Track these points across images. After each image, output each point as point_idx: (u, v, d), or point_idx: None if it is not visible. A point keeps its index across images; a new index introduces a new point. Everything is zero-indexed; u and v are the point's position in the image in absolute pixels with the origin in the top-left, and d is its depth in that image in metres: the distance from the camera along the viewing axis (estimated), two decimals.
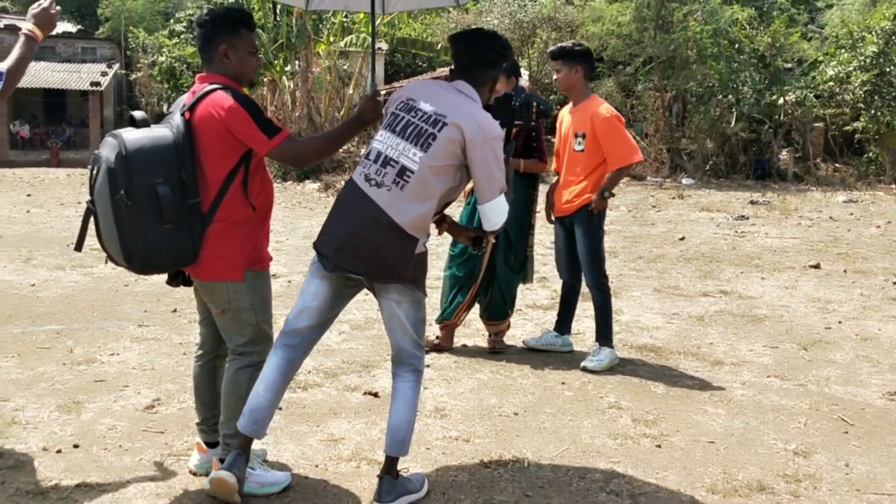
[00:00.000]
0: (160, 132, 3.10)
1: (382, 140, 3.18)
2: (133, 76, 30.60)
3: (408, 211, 3.06)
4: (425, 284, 3.26)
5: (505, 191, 3.16)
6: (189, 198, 3.07)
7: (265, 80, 21.71)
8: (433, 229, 3.34)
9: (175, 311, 6.26)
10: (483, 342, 5.53)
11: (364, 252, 3.09)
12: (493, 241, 3.34)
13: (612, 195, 5.07)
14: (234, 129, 3.07)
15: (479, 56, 3.22)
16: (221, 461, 3.20)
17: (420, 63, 31.63)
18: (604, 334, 5.13)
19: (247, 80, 3.29)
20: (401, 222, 3.06)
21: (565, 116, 5.24)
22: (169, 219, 3.02)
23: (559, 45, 5.20)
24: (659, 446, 3.88)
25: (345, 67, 23.59)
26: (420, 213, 3.08)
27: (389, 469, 3.21)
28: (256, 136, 3.08)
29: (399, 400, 3.23)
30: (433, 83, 3.30)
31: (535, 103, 3.43)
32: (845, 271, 8.50)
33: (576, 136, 5.08)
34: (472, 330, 5.80)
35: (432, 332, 5.45)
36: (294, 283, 7.53)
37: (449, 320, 5.34)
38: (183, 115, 3.13)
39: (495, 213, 3.16)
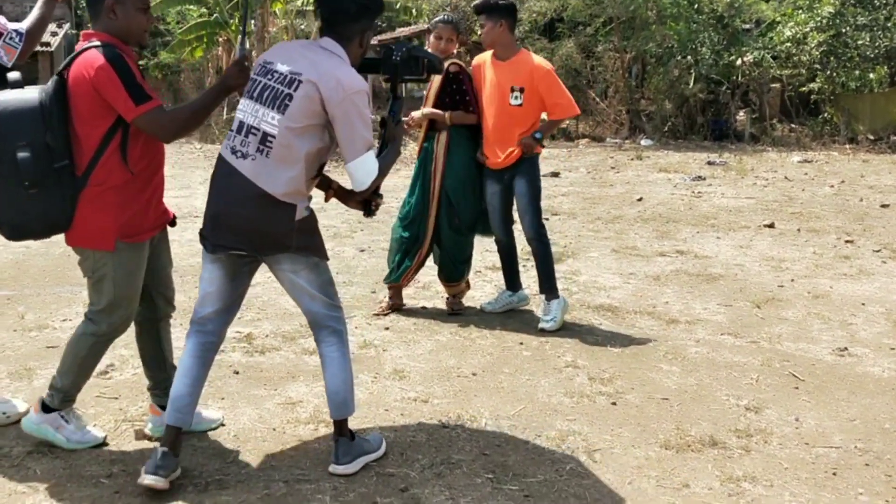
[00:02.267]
0: (26, 94, 3.01)
1: (243, 108, 3.07)
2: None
3: (277, 178, 2.96)
4: (322, 248, 3.19)
5: (372, 147, 3.03)
6: (56, 161, 2.98)
7: (220, 39, 21.30)
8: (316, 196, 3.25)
9: None
10: (442, 304, 5.54)
11: (242, 227, 3.01)
12: (381, 202, 3.28)
13: (543, 144, 5.09)
14: (102, 90, 2.97)
15: (338, 10, 3.07)
16: (45, 408, 3.26)
17: (379, 23, 31.20)
18: (548, 285, 5.13)
19: (135, 40, 3.18)
20: (272, 191, 2.96)
21: (487, 70, 5.11)
22: (32, 183, 2.94)
23: None
24: (614, 404, 3.93)
25: (302, 27, 23.20)
26: (290, 178, 2.98)
27: (341, 431, 3.21)
28: (124, 101, 2.97)
29: (329, 365, 3.20)
30: (296, 43, 3.17)
31: (423, 57, 3.30)
32: (799, 230, 8.64)
33: (512, 90, 4.99)
34: (432, 292, 5.80)
35: (386, 294, 5.45)
36: None
37: (397, 283, 5.33)
38: (60, 74, 3.04)
39: (360, 171, 3.03)
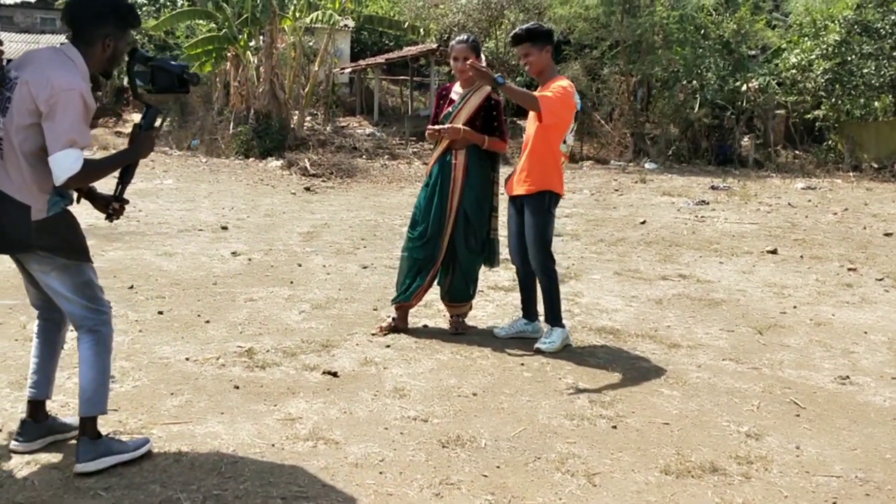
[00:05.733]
0: None
1: None
2: None
3: (10, 178, 3.04)
4: (74, 249, 3.21)
5: (76, 145, 3.02)
6: None
7: (229, 54, 21.41)
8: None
9: (132, 287, 6.18)
10: (444, 323, 5.54)
11: None
12: (118, 207, 3.37)
13: (500, 84, 4.72)
14: None
15: (76, 14, 3.15)
16: None
17: (387, 41, 31.40)
18: (553, 316, 5.12)
19: None
20: (7, 190, 3.04)
21: None
22: None
23: (524, 27, 5.04)
24: (615, 427, 3.92)
25: (310, 44, 23.36)
26: (21, 178, 3.04)
27: (84, 430, 3.27)
28: None
29: (82, 363, 3.30)
30: (39, 49, 3.23)
31: (170, 70, 3.35)
32: (802, 257, 8.64)
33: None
34: (434, 311, 5.80)
35: (388, 313, 5.45)
36: (254, 262, 7.47)
37: (406, 302, 5.31)
38: None
39: (56, 166, 3.02)
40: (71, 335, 4.88)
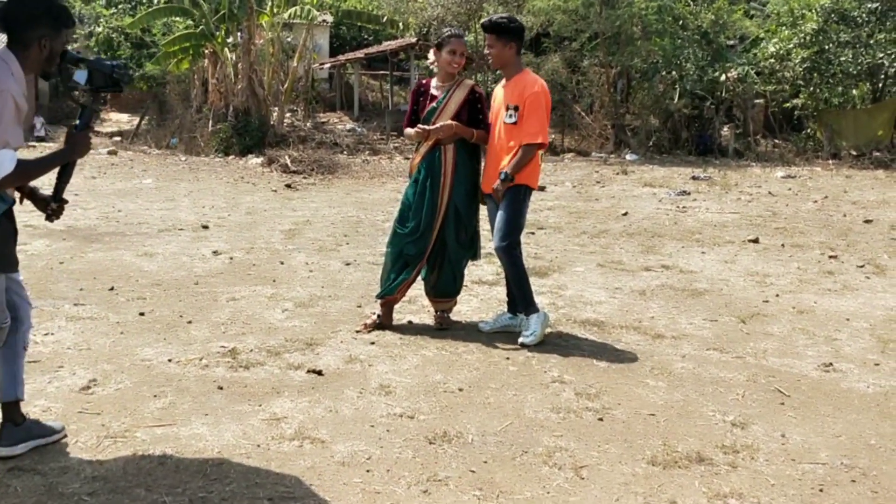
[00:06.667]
0: None
1: None
2: (69, 47, 29.79)
3: None
4: None
5: (9, 146, 3.03)
6: None
7: (206, 51, 21.26)
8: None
9: (112, 289, 6.11)
10: (428, 319, 5.52)
11: None
12: (56, 207, 3.41)
13: (513, 180, 5.00)
14: None
15: (9, 16, 3.15)
16: None
17: (366, 36, 31.31)
18: (526, 303, 5.11)
19: None
20: None
21: (498, 92, 5.23)
22: None
23: (493, 18, 5.12)
24: (601, 419, 3.92)
25: (288, 39, 23.25)
26: None
27: (7, 416, 3.38)
28: None
29: None
30: None
31: (102, 70, 3.38)
32: (783, 245, 8.69)
33: (507, 108, 5.05)
34: (418, 306, 5.78)
35: (372, 310, 5.43)
36: (236, 260, 7.42)
37: (391, 296, 5.29)
38: None
39: None
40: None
